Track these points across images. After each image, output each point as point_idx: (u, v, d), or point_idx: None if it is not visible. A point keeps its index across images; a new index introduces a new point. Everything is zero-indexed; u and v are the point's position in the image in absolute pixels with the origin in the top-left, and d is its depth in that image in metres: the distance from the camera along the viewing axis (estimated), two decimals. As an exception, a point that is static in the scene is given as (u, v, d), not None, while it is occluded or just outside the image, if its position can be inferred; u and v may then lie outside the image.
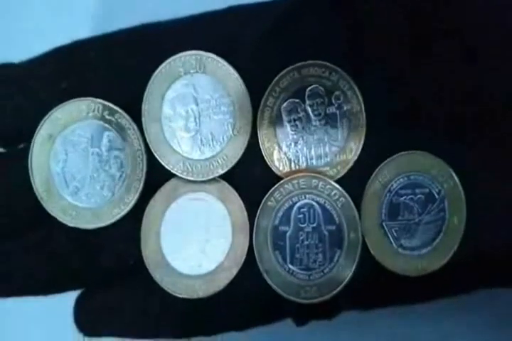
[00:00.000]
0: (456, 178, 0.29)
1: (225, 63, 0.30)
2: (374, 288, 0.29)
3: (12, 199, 0.31)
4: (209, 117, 0.30)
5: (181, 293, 0.30)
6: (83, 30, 0.32)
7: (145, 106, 0.30)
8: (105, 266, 0.30)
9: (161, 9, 0.31)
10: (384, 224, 0.29)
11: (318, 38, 0.30)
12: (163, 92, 0.30)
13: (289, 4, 0.30)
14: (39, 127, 0.30)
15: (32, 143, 0.30)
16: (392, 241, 0.29)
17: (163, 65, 0.30)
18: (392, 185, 0.29)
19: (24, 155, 0.30)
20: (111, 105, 0.30)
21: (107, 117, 0.30)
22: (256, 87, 0.30)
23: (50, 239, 0.30)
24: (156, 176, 0.30)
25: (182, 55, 0.30)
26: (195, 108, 0.30)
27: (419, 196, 0.29)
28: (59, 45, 0.31)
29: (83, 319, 0.31)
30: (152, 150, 0.30)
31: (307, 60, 0.29)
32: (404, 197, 0.29)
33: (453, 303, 0.30)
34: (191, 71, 0.30)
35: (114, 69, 0.31)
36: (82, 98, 0.30)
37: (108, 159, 0.30)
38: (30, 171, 0.30)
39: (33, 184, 0.30)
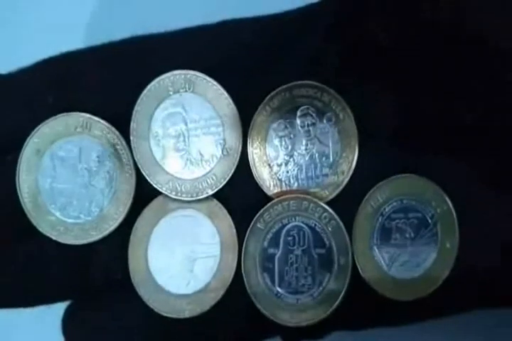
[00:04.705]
0: (449, 202, 0.28)
1: (215, 83, 0.29)
2: (365, 311, 0.29)
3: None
4: (198, 137, 0.29)
5: (167, 312, 0.29)
6: (76, 42, 0.31)
7: (133, 125, 0.29)
8: (93, 280, 0.30)
9: (154, 21, 0.30)
10: (375, 247, 0.29)
11: (310, 58, 0.29)
12: (151, 111, 0.29)
13: (283, 23, 0.29)
14: (26, 142, 0.30)
15: (20, 158, 0.30)
16: (384, 265, 0.29)
17: (153, 83, 0.29)
18: (384, 209, 0.29)
19: (11, 166, 0.30)
20: (99, 120, 0.30)
21: (96, 132, 0.30)
22: (246, 105, 0.29)
23: (38, 252, 0.30)
24: (145, 192, 0.30)
25: (171, 74, 0.29)
26: (184, 127, 0.29)
27: (411, 220, 0.28)
28: (49, 56, 0.30)
29: (72, 333, 0.30)
30: (141, 169, 0.30)
31: (299, 80, 0.29)
32: (396, 221, 0.28)
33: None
34: (180, 90, 0.29)
35: (103, 83, 0.30)
36: (69, 113, 0.30)
37: (97, 174, 0.30)
38: (17, 186, 0.30)
39: (20, 199, 0.30)
